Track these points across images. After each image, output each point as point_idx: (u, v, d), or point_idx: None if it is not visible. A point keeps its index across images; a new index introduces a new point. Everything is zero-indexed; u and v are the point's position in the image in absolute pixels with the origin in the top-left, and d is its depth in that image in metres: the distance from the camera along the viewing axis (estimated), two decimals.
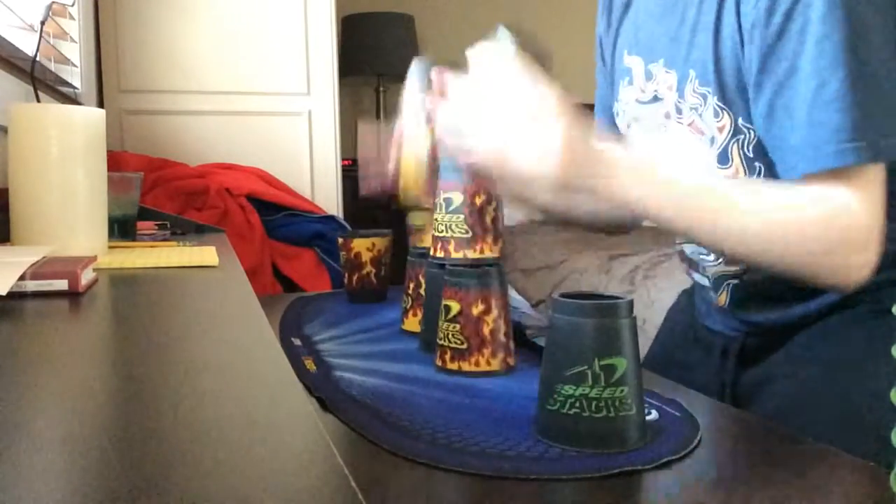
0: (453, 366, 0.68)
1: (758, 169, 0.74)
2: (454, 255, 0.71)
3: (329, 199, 2.23)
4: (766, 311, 0.83)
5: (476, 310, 0.68)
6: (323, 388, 0.61)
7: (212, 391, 0.36)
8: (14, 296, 0.60)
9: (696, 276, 0.90)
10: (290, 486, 0.25)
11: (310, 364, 0.70)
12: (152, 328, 0.54)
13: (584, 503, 0.44)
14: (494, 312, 0.68)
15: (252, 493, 0.24)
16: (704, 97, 0.75)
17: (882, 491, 0.45)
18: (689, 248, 0.89)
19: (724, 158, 0.76)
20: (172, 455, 0.27)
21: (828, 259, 0.67)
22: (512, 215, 3.10)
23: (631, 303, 0.52)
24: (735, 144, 0.75)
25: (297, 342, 0.79)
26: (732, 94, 0.73)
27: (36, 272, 0.63)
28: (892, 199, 0.70)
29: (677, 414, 0.58)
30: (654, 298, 1.97)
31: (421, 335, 0.79)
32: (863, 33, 0.65)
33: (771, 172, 0.73)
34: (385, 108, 3.43)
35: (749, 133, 0.74)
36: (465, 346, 0.67)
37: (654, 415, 0.57)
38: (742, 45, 0.71)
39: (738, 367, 0.87)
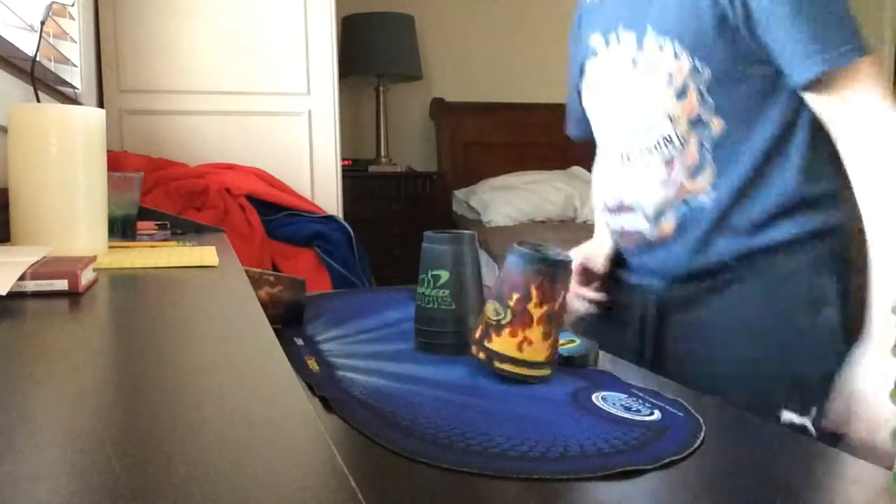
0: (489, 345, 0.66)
1: (710, 103, 0.87)
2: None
3: (329, 199, 2.23)
4: (709, 247, 0.91)
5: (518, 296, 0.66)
6: (326, 388, 0.61)
7: (212, 391, 0.36)
8: (14, 296, 0.60)
9: (626, 219, 0.98)
10: (290, 486, 0.25)
11: (312, 364, 0.70)
12: (152, 328, 0.54)
13: (585, 503, 0.44)
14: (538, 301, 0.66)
15: (252, 493, 0.24)
16: (661, 46, 0.88)
17: (882, 490, 0.45)
18: (630, 194, 0.97)
19: (681, 94, 0.88)
20: (172, 455, 0.27)
21: None
22: None
23: (466, 236, 0.77)
24: (692, 81, 0.87)
25: (300, 342, 0.79)
26: (690, 37, 0.86)
27: (36, 272, 0.63)
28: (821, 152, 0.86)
29: (679, 414, 0.58)
30: None
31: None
32: None
33: (723, 104, 0.86)
34: (385, 108, 3.43)
35: (704, 71, 0.86)
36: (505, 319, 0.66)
37: (656, 415, 0.57)
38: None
39: (657, 331, 0.97)
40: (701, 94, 0.87)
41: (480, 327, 0.68)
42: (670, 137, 0.90)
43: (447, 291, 0.75)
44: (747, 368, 0.88)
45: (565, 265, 0.66)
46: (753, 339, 0.89)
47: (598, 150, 1.10)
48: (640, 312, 0.99)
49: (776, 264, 0.88)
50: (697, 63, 0.86)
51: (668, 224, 0.93)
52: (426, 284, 0.76)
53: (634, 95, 0.94)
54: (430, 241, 0.77)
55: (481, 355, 0.66)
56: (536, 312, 0.65)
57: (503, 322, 0.65)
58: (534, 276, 0.65)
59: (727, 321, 0.91)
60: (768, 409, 0.83)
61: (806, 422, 0.84)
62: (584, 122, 1.11)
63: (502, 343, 0.65)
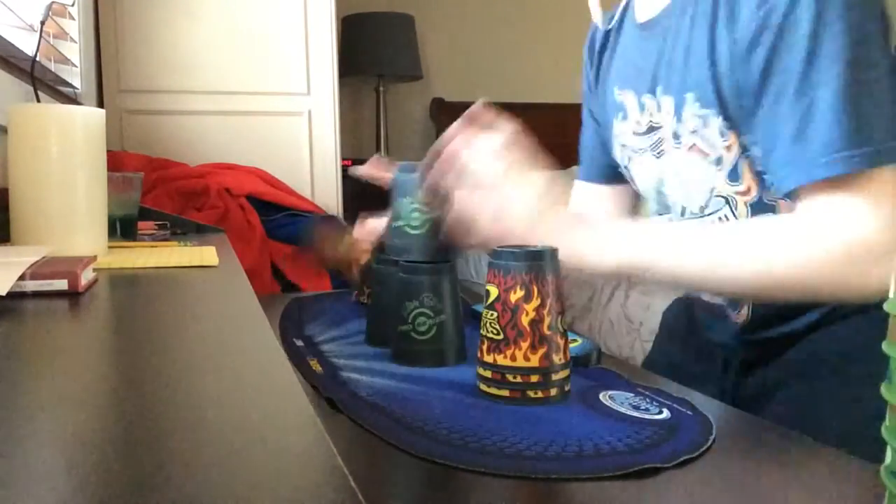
0: (489, 358, 0.62)
1: (770, 184, 0.74)
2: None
3: (329, 199, 2.23)
4: (784, 324, 0.81)
5: (515, 296, 0.61)
6: (332, 390, 0.61)
7: (212, 391, 0.36)
8: (14, 296, 0.60)
9: (705, 295, 0.88)
10: (290, 486, 0.25)
11: (315, 365, 0.70)
12: (152, 328, 0.54)
13: (603, 502, 0.44)
14: (537, 301, 0.61)
15: (252, 493, 0.24)
16: (705, 119, 0.75)
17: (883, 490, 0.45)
18: None
19: (734, 176, 0.76)
20: (172, 455, 0.27)
21: (843, 281, 0.65)
22: None
23: (444, 267, 0.71)
24: (745, 162, 0.74)
25: (300, 343, 0.79)
26: (735, 113, 0.72)
27: (36, 272, 0.63)
28: None
29: (688, 412, 0.58)
30: (649, 302, 1.97)
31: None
32: (861, 42, 0.65)
33: None
34: (385, 108, 3.43)
35: (755, 150, 0.73)
36: (500, 337, 0.61)
37: (665, 413, 0.57)
38: (738, 64, 0.70)
39: (741, 376, 0.87)
40: (758, 175, 0.74)
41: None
42: (728, 218, 0.78)
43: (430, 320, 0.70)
44: (817, 403, 0.77)
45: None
46: (828, 374, 0.77)
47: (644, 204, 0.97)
48: (721, 366, 0.89)
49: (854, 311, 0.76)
50: (747, 140, 0.73)
51: (742, 314, 0.84)
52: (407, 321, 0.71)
53: (681, 171, 0.81)
54: (406, 271, 0.72)
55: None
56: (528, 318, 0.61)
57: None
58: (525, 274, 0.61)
59: (802, 360, 0.80)
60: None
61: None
62: (602, 168, 1.01)
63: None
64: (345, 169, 2.31)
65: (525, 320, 0.60)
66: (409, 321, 0.71)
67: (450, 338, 0.71)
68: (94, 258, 0.73)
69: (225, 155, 2.12)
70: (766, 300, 0.76)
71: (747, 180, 0.75)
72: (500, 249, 0.61)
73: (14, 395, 0.35)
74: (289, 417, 0.33)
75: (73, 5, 1.67)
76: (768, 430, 0.58)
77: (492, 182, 0.70)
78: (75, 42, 1.76)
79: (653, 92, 0.82)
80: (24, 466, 0.26)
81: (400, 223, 0.72)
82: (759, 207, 0.76)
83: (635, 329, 2.04)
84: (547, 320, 0.60)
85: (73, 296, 0.63)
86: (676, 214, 0.85)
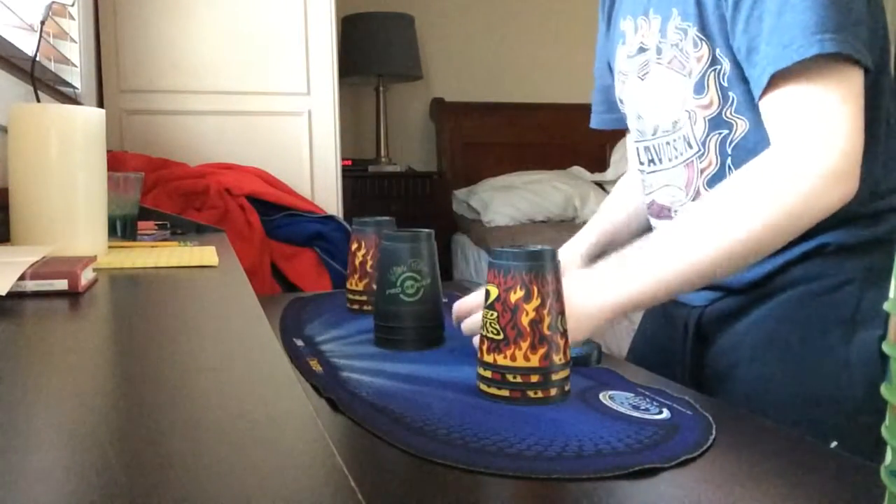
0: (489, 358, 0.61)
1: (731, 99, 0.79)
2: None
3: (329, 199, 2.23)
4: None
5: (515, 296, 0.60)
6: (333, 390, 0.61)
7: (212, 391, 0.36)
8: (14, 296, 0.60)
9: (663, 224, 0.92)
10: (290, 486, 0.25)
11: (315, 365, 0.70)
12: (152, 328, 0.54)
13: (603, 502, 0.44)
14: (537, 301, 0.60)
15: (252, 493, 0.24)
16: (685, 31, 0.81)
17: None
18: (661, 197, 0.92)
19: (700, 88, 0.81)
20: (172, 455, 0.27)
21: (816, 211, 0.70)
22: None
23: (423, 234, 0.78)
24: (712, 74, 0.79)
25: (300, 343, 0.79)
26: (711, 25, 0.78)
27: (36, 272, 0.63)
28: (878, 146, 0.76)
29: (688, 412, 0.58)
30: None
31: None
32: None
33: (744, 101, 0.78)
34: (385, 108, 3.43)
35: (724, 63, 0.78)
36: (500, 337, 0.61)
37: (665, 413, 0.57)
38: None
39: (698, 346, 0.90)
40: (721, 88, 0.79)
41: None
42: (688, 139, 0.83)
43: (410, 287, 0.77)
44: (771, 386, 0.81)
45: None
46: (780, 355, 0.81)
47: (630, 141, 1.03)
48: (682, 331, 0.92)
49: (807, 278, 0.80)
50: (718, 53, 0.78)
51: None
52: (390, 284, 0.78)
53: (658, 88, 0.87)
54: (389, 239, 0.78)
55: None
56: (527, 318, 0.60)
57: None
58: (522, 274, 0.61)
59: (757, 336, 0.83)
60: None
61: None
62: (608, 111, 1.05)
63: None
64: (345, 169, 2.31)
65: (525, 320, 0.59)
66: (398, 284, 0.77)
67: (432, 302, 0.78)
68: (94, 258, 0.73)
69: (225, 155, 2.12)
70: (766, 253, 0.78)
71: (711, 94, 0.80)
72: (500, 249, 0.61)
73: (14, 395, 0.35)
74: (289, 417, 0.33)
75: (73, 5, 1.67)
76: (768, 430, 0.58)
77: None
78: (75, 42, 1.76)
79: (646, 14, 0.88)
80: (24, 466, 0.26)
81: (394, 291, 0.78)
82: (717, 123, 0.80)
83: (635, 329, 2.03)
84: (547, 320, 0.60)
85: (73, 296, 0.63)
86: (648, 135, 0.90)
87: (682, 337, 0.92)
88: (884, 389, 0.35)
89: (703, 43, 0.79)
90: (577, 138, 3.45)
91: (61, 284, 0.63)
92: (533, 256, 0.60)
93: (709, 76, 0.79)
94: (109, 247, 0.99)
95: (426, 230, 0.80)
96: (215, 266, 0.86)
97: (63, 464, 0.27)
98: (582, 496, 0.44)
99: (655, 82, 0.87)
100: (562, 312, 0.62)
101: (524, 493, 0.45)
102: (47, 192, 0.88)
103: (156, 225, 1.35)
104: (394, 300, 0.77)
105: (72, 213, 0.90)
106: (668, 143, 0.87)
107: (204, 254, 0.96)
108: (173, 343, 0.49)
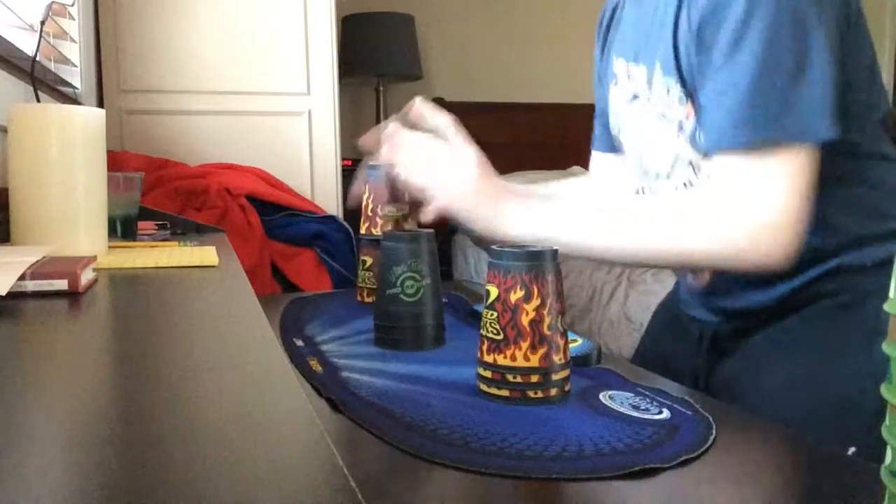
0: (489, 358, 0.61)
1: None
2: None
3: (329, 199, 2.23)
4: (747, 293, 0.84)
5: (515, 296, 0.60)
6: (333, 390, 0.61)
7: (212, 391, 0.36)
8: (14, 296, 0.60)
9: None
10: (290, 486, 0.25)
11: (315, 365, 0.70)
12: (152, 328, 0.54)
13: (603, 502, 0.44)
14: (537, 301, 0.60)
15: (252, 493, 0.24)
16: (668, 86, 0.81)
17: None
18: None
19: (694, 141, 0.80)
20: (172, 455, 0.27)
21: (740, 251, 0.72)
22: None
23: (423, 235, 0.78)
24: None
25: (300, 343, 0.79)
26: (690, 84, 0.78)
27: (36, 272, 0.63)
28: (842, 184, 0.77)
29: (688, 412, 0.58)
30: (649, 302, 1.97)
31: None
32: (794, 23, 0.70)
33: None
34: (385, 108, 3.42)
35: None
36: (500, 337, 0.61)
37: (665, 413, 0.57)
38: (691, 40, 0.76)
39: (713, 355, 0.89)
40: None
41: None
42: (692, 183, 0.83)
43: (410, 287, 0.78)
44: (791, 392, 0.80)
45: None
46: (801, 362, 0.80)
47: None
48: (695, 343, 0.92)
49: (829, 293, 0.80)
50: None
51: (704, 277, 0.88)
52: (390, 283, 0.78)
53: (652, 137, 0.87)
54: (389, 239, 0.79)
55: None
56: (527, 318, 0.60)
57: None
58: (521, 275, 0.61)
59: (777, 344, 0.83)
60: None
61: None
62: (610, 138, 1.04)
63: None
64: (345, 169, 2.31)
65: (525, 320, 0.59)
66: (398, 284, 0.77)
67: (432, 302, 0.78)
68: (94, 258, 0.73)
69: (225, 155, 2.12)
70: (672, 267, 0.83)
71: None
72: (499, 249, 0.61)
73: (14, 395, 0.35)
74: (289, 417, 0.33)
75: (73, 5, 1.67)
76: (768, 430, 0.58)
77: (433, 152, 0.81)
78: (75, 42, 1.76)
79: (635, 60, 0.88)
80: (24, 466, 0.26)
81: (394, 291, 0.77)
82: None
83: (635, 329, 2.04)
84: (547, 320, 0.60)
85: (73, 296, 0.63)
86: (651, 179, 0.90)
87: (693, 349, 0.92)
88: (884, 389, 0.35)
89: (688, 100, 0.79)
90: (577, 138, 3.44)
91: (61, 284, 0.63)
92: (533, 256, 0.60)
93: (700, 129, 0.79)
94: (109, 247, 0.99)
95: (426, 230, 0.80)
96: (215, 266, 0.86)
97: (63, 464, 0.27)
98: (582, 496, 0.44)
99: (648, 131, 0.88)
100: (562, 312, 0.62)
101: (524, 493, 0.45)
102: (47, 192, 0.88)
103: (156, 225, 1.35)
104: (394, 300, 0.77)
105: (72, 213, 0.90)
106: (668, 187, 0.87)
107: (204, 254, 0.96)
108: (173, 343, 0.49)
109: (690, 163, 0.82)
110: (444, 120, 0.83)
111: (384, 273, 0.78)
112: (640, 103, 0.87)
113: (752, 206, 0.71)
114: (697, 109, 0.78)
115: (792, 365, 0.80)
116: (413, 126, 0.84)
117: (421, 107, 0.85)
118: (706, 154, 0.76)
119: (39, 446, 0.28)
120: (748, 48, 0.70)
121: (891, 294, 0.34)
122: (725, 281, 0.85)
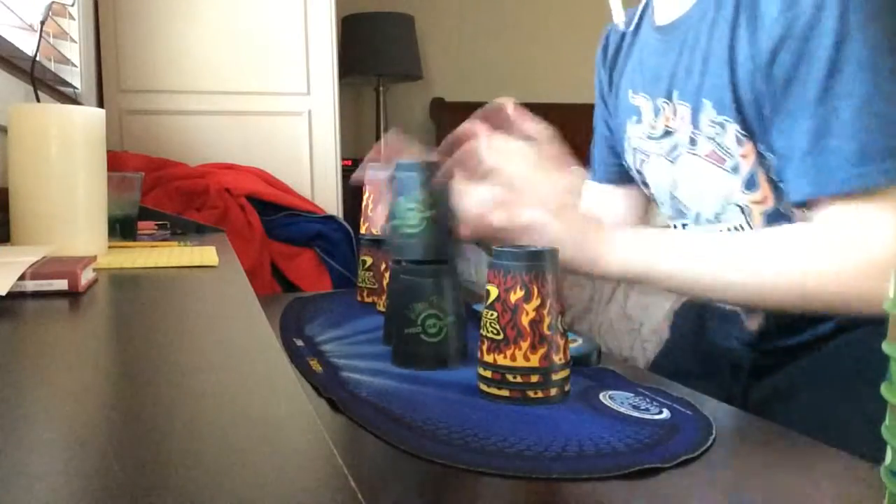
0: (489, 358, 0.61)
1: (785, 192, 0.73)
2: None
3: (329, 199, 2.23)
4: (798, 334, 0.80)
5: (515, 296, 0.60)
6: (333, 390, 0.61)
7: (211, 391, 0.36)
8: (14, 296, 0.60)
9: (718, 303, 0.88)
10: (290, 486, 0.25)
11: (315, 365, 0.70)
12: (152, 328, 0.54)
13: (603, 502, 0.44)
14: (537, 301, 0.60)
15: (252, 493, 0.24)
16: (723, 126, 0.74)
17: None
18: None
19: (750, 185, 0.75)
20: (172, 455, 0.27)
21: (858, 294, 0.64)
22: None
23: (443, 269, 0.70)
24: (761, 170, 0.74)
25: (300, 343, 0.79)
26: (752, 121, 0.72)
27: (36, 272, 0.63)
28: None
29: (688, 412, 0.58)
30: (649, 302, 1.97)
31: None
32: (889, 51, 0.64)
33: None
34: (385, 108, 3.43)
35: (771, 158, 0.72)
36: (500, 337, 0.61)
37: (665, 413, 0.57)
38: (759, 72, 0.69)
39: (752, 381, 0.86)
40: (773, 182, 0.73)
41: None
42: (742, 227, 0.78)
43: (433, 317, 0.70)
44: (830, 408, 0.76)
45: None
46: (843, 379, 0.76)
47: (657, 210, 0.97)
48: (729, 372, 0.89)
49: (870, 321, 0.78)
50: (763, 150, 0.72)
51: (756, 320, 0.84)
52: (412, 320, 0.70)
53: (696, 178, 0.80)
54: (411, 273, 0.71)
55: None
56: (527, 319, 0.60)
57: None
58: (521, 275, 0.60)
59: (818, 364, 0.79)
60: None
61: None
62: (611, 169, 1.01)
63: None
64: (345, 169, 2.31)
65: (525, 320, 0.59)
66: (419, 323, 0.69)
67: (456, 340, 0.71)
68: (94, 258, 0.73)
69: (225, 155, 2.12)
70: (777, 310, 0.75)
71: (763, 189, 0.74)
72: (500, 249, 0.61)
73: (14, 394, 0.35)
74: (289, 417, 0.33)
75: (73, 5, 1.67)
76: (768, 430, 0.57)
77: (511, 180, 0.69)
78: (75, 42, 1.76)
79: (668, 97, 0.81)
80: (24, 466, 0.26)
81: (397, 222, 0.72)
82: (775, 217, 0.75)
83: (635, 329, 2.04)
84: (547, 320, 0.60)
85: (73, 296, 0.63)
86: (691, 220, 0.84)
87: (727, 378, 0.88)
88: (884, 389, 0.35)
89: (747, 140, 0.73)
90: (577, 138, 3.44)
91: (61, 284, 0.63)
92: (533, 256, 0.60)
93: (758, 172, 0.74)
94: (109, 247, 0.99)
95: (448, 264, 0.72)
96: (215, 266, 0.86)
97: (63, 464, 0.27)
98: (582, 496, 0.44)
99: (691, 172, 0.80)
100: (562, 312, 0.62)
101: (524, 493, 0.45)
102: (47, 192, 0.88)
103: (156, 225, 1.35)
104: (415, 340, 0.70)
105: (72, 213, 0.90)
106: (715, 230, 0.82)
107: (204, 254, 0.96)
108: (173, 343, 0.49)
109: (741, 207, 0.77)
110: (541, 128, 0.74)
111: (401, 308, 0.70)
112: (678, 141, 0.81)
113: (874, 248, 0.64)
114: (770, 150, 0.71)
115: (835, 383, 0.77)
116: (498, 130, 0.74)
117: (516, 111, 0.76)
118: (796, 201, 0.69)
119: (39, 446, 0.28)
120: (848, 78, 0.64)
121: (891, 294, 0.34)
122: (779, 322, 0.81)
